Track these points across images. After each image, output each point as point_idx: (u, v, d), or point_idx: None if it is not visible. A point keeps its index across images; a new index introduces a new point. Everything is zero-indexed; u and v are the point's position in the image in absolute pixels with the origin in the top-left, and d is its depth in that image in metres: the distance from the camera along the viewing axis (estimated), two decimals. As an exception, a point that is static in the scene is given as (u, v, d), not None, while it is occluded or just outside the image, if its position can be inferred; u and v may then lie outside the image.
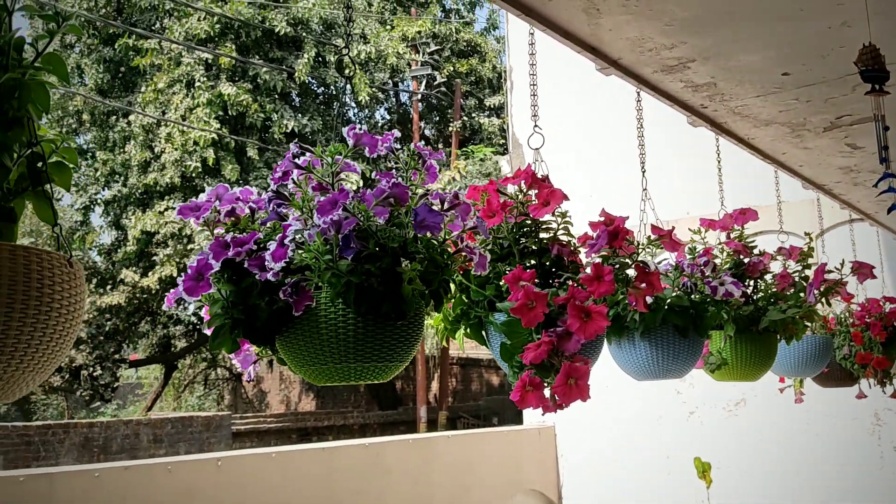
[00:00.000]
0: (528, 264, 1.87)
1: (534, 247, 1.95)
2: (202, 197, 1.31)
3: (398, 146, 1.49)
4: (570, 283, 1.75)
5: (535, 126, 2.14)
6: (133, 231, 15.06)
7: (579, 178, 6.76)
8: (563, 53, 2.36)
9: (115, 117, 15.75)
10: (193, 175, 14.40)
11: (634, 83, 2.39)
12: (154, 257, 14.89)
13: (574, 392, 1.61)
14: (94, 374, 15.71)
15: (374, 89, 16.91)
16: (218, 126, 14.42)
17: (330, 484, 4.79)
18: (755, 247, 2.75)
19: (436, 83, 18.52)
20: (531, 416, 7.16)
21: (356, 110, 19.06)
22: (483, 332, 1.90)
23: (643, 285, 1.77)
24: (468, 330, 1.90)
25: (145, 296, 15.58)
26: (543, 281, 1.90)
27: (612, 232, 1.75)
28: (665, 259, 2.38)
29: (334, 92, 17.09)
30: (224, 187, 1.32)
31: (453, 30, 18.86)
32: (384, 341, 1.32)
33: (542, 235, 1.97)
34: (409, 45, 17.59)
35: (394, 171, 1.44)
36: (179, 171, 14.41)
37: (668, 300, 2.14)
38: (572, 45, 2.14)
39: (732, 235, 2.79)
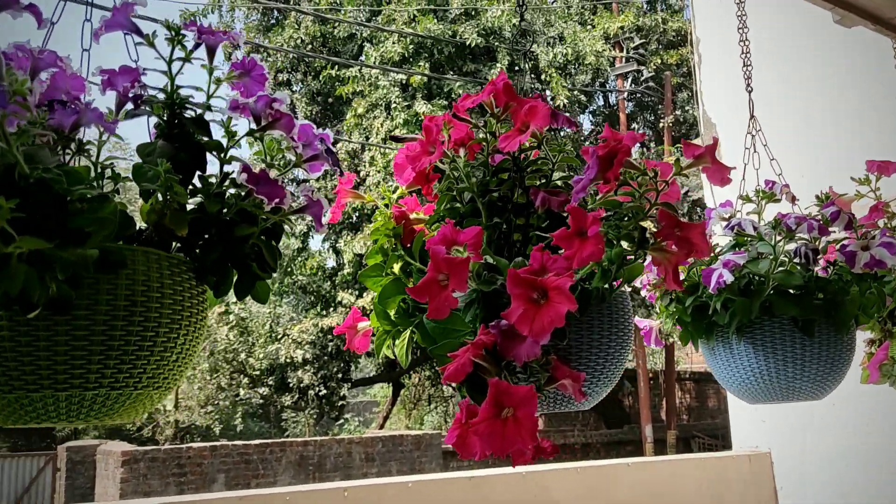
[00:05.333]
0: (494, 223, 1.19)
1: (521, 200, 1.26)
2: None
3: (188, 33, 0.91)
4: (535, 245, 1.05)
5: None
6: (347, 254, 15.58)
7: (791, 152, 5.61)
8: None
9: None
10: (396, 197, 14.55)
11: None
12: (365, 279, 15.25)
13: (511, 431, 0.91)
14: (320, 393, 16.32)
15: (575, 92, 16.16)
16: (416, 145, 14.47)
17: (480, 518, 4.19)
18: (965, 194, 1.80)
19: (643, 79, 17.37)
20: (741, 438, 6.08)
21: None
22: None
23: (673, 246, 1.02)
24: (416, 333, 1.25)
25: (362, 316, 16.01)
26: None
27: (605, 157, 1.02)
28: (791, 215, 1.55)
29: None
30: None
31: (659, 20, 17.62)
32: (68, 353, 0.74)
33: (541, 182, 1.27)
34: (610, 42, 16.67)
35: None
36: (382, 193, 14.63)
37: (771, 278, 1.34)
38: None
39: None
